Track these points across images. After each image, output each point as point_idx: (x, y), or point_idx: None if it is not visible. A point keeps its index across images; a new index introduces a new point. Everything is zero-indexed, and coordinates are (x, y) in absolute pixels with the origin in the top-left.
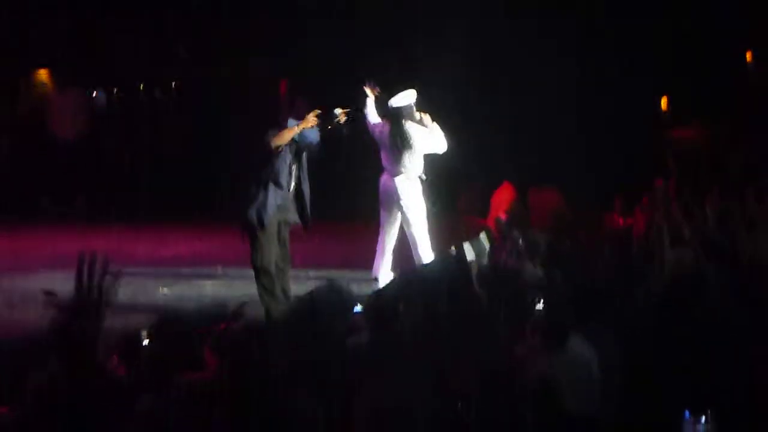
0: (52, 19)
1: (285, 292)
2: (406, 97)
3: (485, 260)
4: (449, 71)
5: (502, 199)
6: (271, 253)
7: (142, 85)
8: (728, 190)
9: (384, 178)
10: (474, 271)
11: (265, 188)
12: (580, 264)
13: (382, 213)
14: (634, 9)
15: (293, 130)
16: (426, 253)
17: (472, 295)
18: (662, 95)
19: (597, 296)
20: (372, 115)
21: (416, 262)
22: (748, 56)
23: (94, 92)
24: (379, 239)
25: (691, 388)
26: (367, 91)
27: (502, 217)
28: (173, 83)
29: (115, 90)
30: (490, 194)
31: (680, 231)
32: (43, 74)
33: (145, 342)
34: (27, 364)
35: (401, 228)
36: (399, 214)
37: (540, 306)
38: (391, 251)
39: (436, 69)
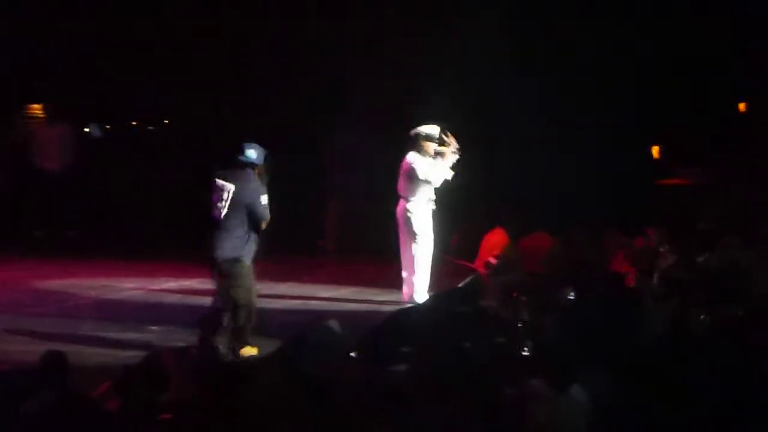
0: (49, 54)
1: None
2: (421, 129)
3: (474, 304)
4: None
5: (493, 243)
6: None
7: (135, 122)
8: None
9: (399, 205)
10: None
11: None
12: (572, 310)
13: (400, 238)
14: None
15: None
16: (421, 283)
17: (458, 340)
18: (655, 144)
19: (591, 342)
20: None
21: (409, 290)
22: (741, 107)
23: (87, 127)
24: (402, 264)
25: None
26: None
27: (492, 261)
28: (167, 120)
29: (108, 126)
30: (479, 237)
31: (670, 279)
32: (36, 108)
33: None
34: (20, 393)
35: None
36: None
37: (526, 351)
38: (421, 273)
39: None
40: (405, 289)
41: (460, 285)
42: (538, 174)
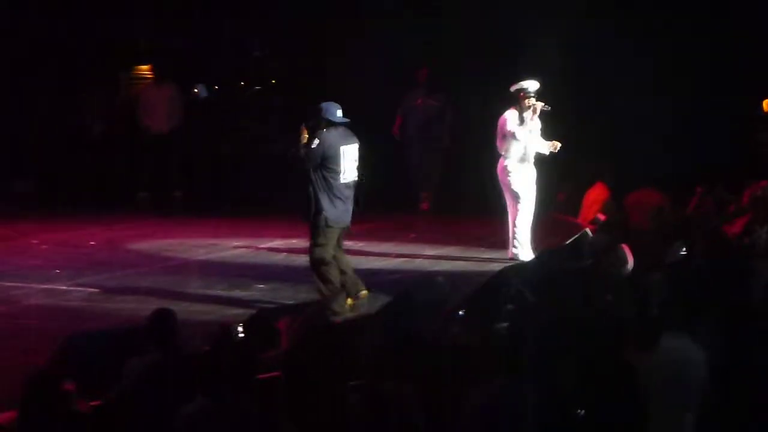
0: (157, 14)
1: None
2: (519, 84)
3: (581, 261)
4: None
5: (593, 198)
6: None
7: (242, 82)
8: None
9: (498, 163)
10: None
11: None
12: (681, 265)
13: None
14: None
15: None
16: (524, 241)
17: (565, 297)
18: (765, 98)
19: (700, 298)
20: None
21: (512, 248)
22: None
23: (195, 88)
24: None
25: None
26: None
27: (600, 217)
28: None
29: (216, 86)
30: (581, 193)
31: None
32: (144, 68)
33: (240, 335)
34: (129, 350)
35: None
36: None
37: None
38: (524, 231)
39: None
40: (510, 246)
41: (567, 242)
42: (643, 129)
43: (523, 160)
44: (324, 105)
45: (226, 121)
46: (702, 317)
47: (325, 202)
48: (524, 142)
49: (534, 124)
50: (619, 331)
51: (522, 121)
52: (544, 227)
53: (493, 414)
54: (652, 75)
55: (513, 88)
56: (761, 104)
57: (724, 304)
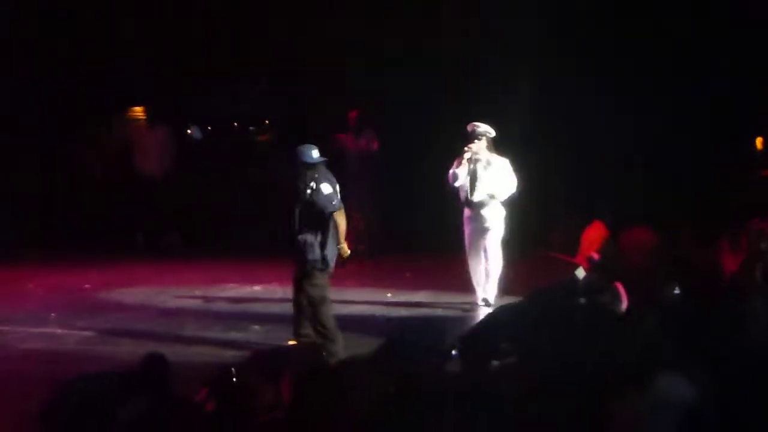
0: (150, 56)
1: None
2: (479, 126)
3: (576, 300)
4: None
5: (592, 238)
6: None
7: (236, 123)
8: None
9: None
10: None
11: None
12: (675, 305)
13: None
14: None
15: None
16: (473, 283)
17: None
18: (758, 135)
19: (693, 338)
20: None
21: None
22: None
23: (189, 129)
24: None
25: None
26: None
27: (594, 256)
28: (266, 120)
29: (209, 127)
30: (578, 232)
31: None
32: (137, 110)
33: (235, 379)
34: (121, 395)
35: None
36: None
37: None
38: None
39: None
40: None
41: (562, 281)
42: (636, 167)
43: (469, 204)
44: (299, 149)
45: (220, 162)
46: (697, 357)
47: (330, 244)
48: (465, 186)
49: (482, 167)
50: (614, 369)
51: (461, 164)
52: (537, 266)
53: None
54: (645, 111)
55: (472, 128)
56: (754, 142)
57: (719, 344)
